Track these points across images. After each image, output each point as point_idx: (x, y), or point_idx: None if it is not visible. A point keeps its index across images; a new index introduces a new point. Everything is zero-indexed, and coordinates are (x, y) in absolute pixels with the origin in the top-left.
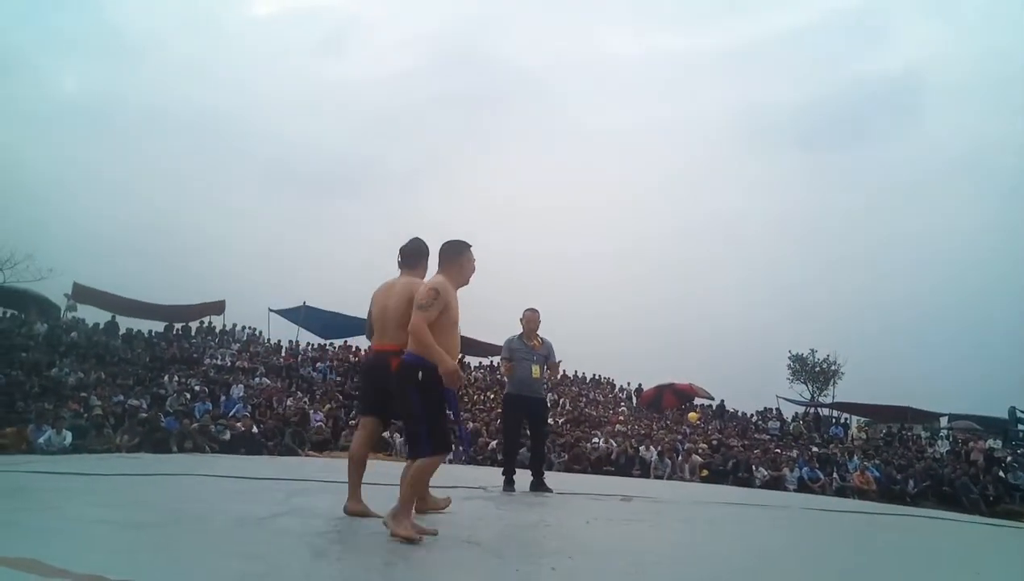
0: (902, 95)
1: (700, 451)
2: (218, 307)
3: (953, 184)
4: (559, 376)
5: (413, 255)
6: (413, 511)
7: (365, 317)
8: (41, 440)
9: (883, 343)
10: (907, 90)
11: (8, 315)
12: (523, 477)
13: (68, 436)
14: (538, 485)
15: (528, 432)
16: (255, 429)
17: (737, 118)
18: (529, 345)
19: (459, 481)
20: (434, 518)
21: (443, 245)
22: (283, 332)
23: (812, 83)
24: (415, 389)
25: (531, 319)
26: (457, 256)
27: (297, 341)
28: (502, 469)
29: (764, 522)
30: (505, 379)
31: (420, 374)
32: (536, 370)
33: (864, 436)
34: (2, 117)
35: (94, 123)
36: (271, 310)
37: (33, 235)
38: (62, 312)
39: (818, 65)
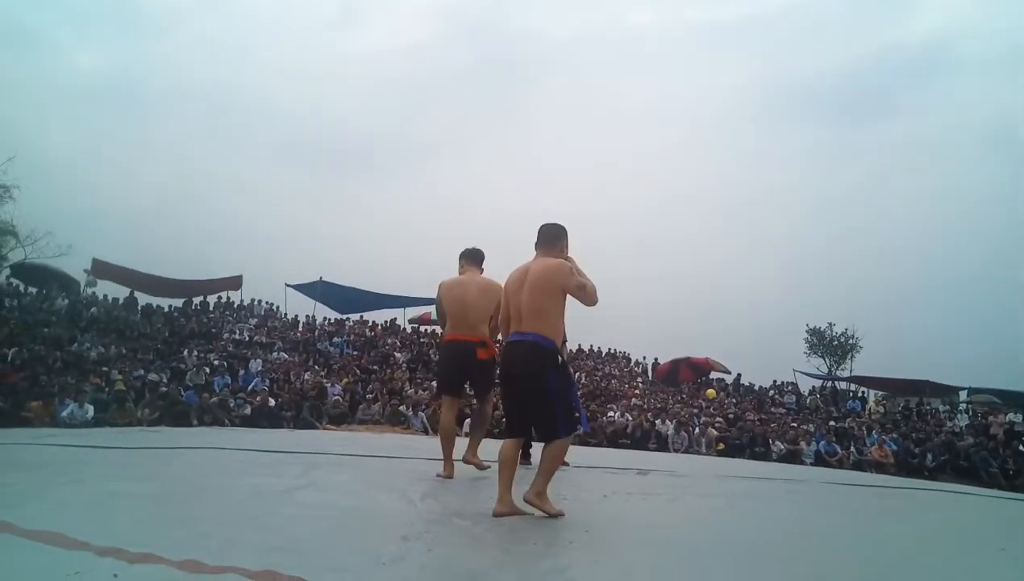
0: (928, 65)
1: (716, 425)
2: (235, 282)
3: (975, 154)
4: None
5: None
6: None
7: (384, 293)
8: (64, 414)
9: (902, 316)
10: (933, 60)
11: (30, 291)
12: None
13: (90, 410)
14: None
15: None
16: (272, 403)
17: (757, 89)
18: None
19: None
20: (454, 492)
21: (553, 227)
22: (300, 307)
23: (835, 54)
24: (553, 373)
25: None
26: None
27: (314, 316)
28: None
29: (782, 496)
30: None
31: (559, 359)
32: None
33: (882, 410)
34: (22, 95)
35: (112, 100)
36: (288, 285)
37: (53, 212)
38: (82, 288)
39: (842, 35)
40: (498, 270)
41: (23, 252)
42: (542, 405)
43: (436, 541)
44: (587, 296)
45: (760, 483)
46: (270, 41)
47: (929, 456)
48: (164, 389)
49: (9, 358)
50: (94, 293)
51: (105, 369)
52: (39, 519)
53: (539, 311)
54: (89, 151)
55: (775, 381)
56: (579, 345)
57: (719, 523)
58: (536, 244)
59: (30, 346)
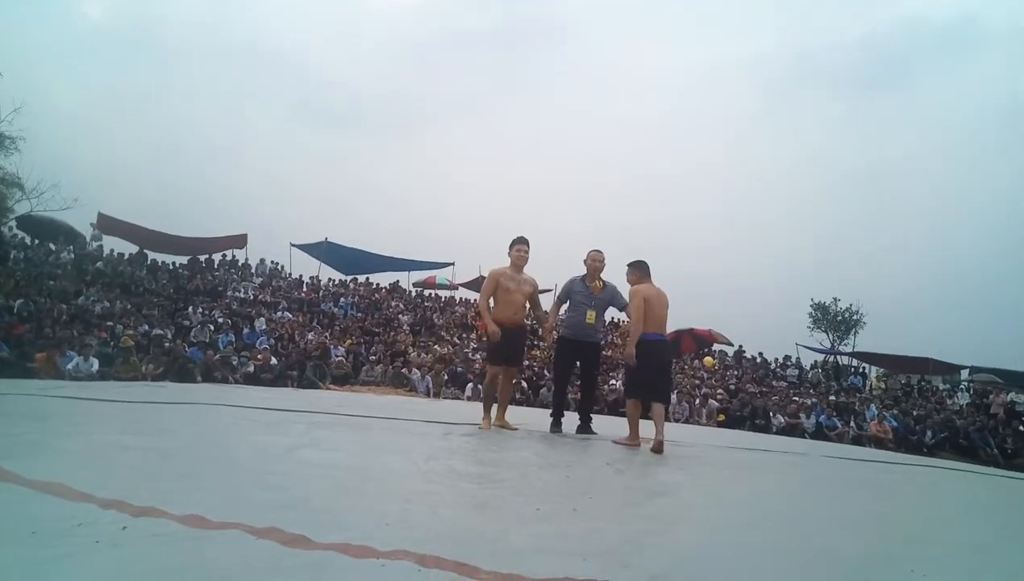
0: (949, 41)
1: (718, 396)
2: (240, 241)
3: (990, 136)
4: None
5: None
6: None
7: (389, 255)
8: (69, 366)
9: (908, 295)
10: (955, 36)
11: (36, 243)
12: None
13: (95, 363)
14: (584, 428)
15: (579, 375)
16: (276, 362)
17: (776, 61)
18: (591, 287)
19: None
20: (458, 454)
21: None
22: (305, 267)
23: (856, 26)
24: None
25: (595, 259)
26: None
27: (318, 277)
28: (550, 410)
29: (781, 467)
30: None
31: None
32: (592, 315)
33: (883, 386)
34: (29, 43)
35: (119, 53)
36: (293, 245)
37: (59, 164)
38: (87, 241)
39: (866, 6)
40: (504, 239)
41: (29, 204)
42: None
43: (440, 503)
44: None
45: (760, 454)
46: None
47: (929, 433)
48: (168, 344)
49: (16, 310)
50: (99, 247)
51: (110, 323)
52: (43, 469)
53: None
54: (98, 103)
55: (783, 356)
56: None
57: (723, 493)
58: (646, 273)
59: (36, 298)
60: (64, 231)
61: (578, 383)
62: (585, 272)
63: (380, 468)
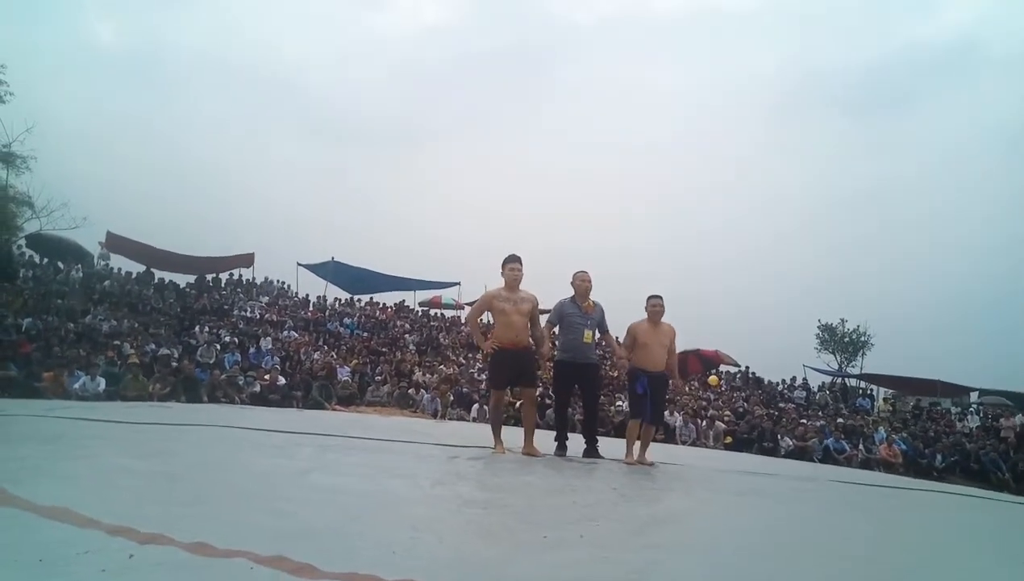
0: (954, 63)
1: (725, 418)
2: (247, 260)
3: (998, 158)
4: (614, 347)
5: None
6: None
7: (395, 275)
8: (76, 386)
9: (916, 316)
10: (960, 58)
11: (45, 261)
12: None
13: (102, 382)
14: (590, 452)
15: (580, 398)
16: (282, 381)
17: (782, 81)
18: (583, 307)
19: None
20: (464, 479)
21: None
22: (311, 287)
23: (861, 47)
24: None
25: (583, 279)
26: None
27: (325, 296)
28: (554, 435)
29: (790, 494)
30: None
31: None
32: (588, 335)
33: (891, 408)
34: (41, 66)
35: (128, 74)
36: (299, 264)
37: (68, 183)
38: (95, 260)
39: (869, 29)
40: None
41: (39, 223)
42: None
43: (446, 530)
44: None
45: (768, 480)
46: (294, 19)
47: (939, 457)
48: (175, 364)
49: (23, 328)
50: (107, 266)
51: (117, 342)
52: (50, 494)
53: None
54: (106, 123)
55: (791, 378)
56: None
57: (730, 520)
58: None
59: (44, 317)
60: (73, 250)
61: (580, 405)
62: (573, 293)
63: (387, 493)
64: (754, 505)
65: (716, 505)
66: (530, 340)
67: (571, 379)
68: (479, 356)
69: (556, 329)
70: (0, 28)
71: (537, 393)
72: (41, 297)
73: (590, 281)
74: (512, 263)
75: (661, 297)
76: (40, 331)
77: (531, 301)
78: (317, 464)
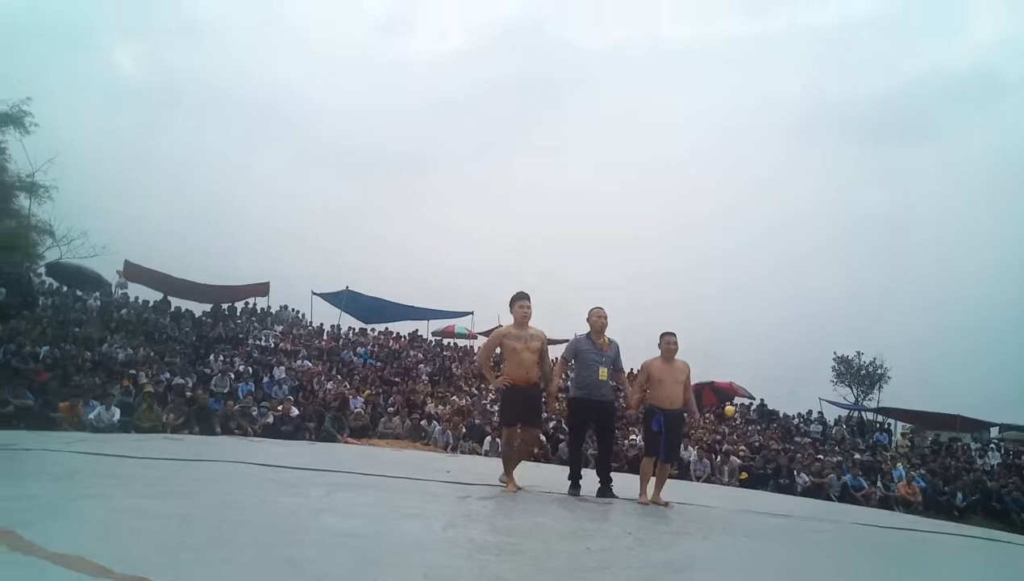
0: (973, 90)
1: (740, 453)
2: (262, 289)
3: (1019, 184)
4: (627, 386)
5: None
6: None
7: (408, 304)
8: (91, 416)
9: (933, 347)
10: (978, 85)
11: (64, 289)
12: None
13: (116, 412)
14: (605, 491)
15: (595, 436)
16: (295, 412)
17: (796, 107)
18: (598, 344)
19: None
20: (475, 520)
21: None
22: (325, 316)
23: (878, 74)
24: None
25: (600, 316)
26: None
27: (339, 325)
28: (568, 472)
29: (810, 537)
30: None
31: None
32: (604, 372)
33: (909, 443)
34: (63, 95)
35: (147, 105)
36: (314, 293)
37: (87, 213)
38: (113, 289)
39: (885, 56)
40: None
41: (59, 251)
42: None
43: (459, 578)
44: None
45: (788, 522)
46: (315, 44)
47: (959, 495)
48: (189, 394)
49: (41, 356)
50: (124, 294)
51: (132, 371)
52: (63, 539)
53: None
54: (126, 153)
55: (806, 411)
56: None
57: (749, 568)
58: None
59: (61, 345)
60: (91, 278)
61: (593, 440)
62: (589, 330)
63: (399, 537)
64: (772, 551)
65: (733, 551)
66: (539, 377)
67: (587, 416)
68: (491, 387)
69: (572, 363)
70: (23, 61)
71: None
72: (59, 325)
73: (606, 317)
74: (521, 301)
75: (675, 334)
76: (57, 359)
77: (540, 338)
78: (329, 504)
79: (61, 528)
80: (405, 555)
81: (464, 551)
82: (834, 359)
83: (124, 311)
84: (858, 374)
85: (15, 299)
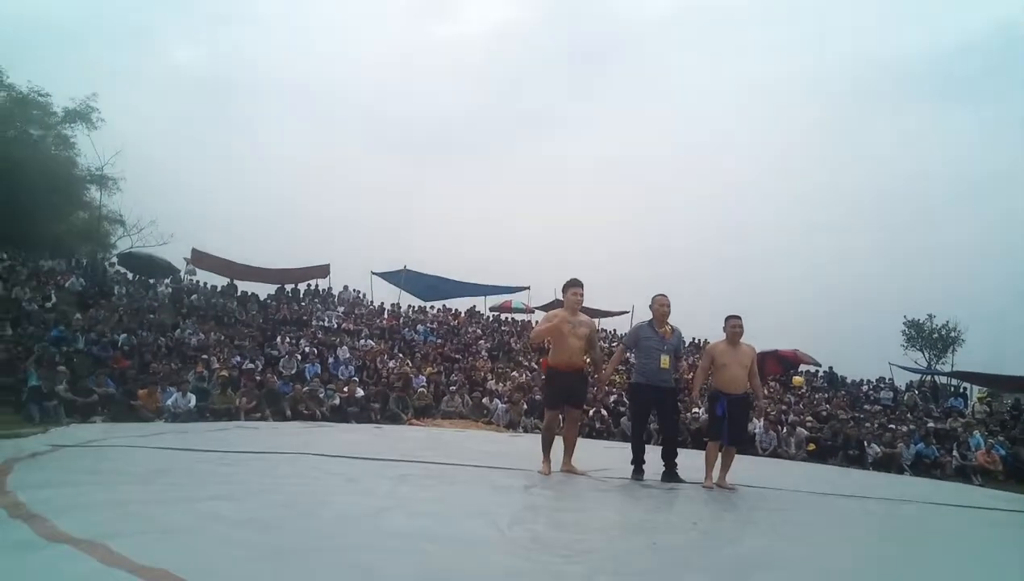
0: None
1: (807, 423)
2: (323, 271)
3: None
4: (686, 375)
5: None
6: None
7: (465, 281)
8: (168, 402)
9: (1011, 311)
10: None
11: (136, 278)
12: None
13: (192, 398)
14: (670, 476)
15: (657, 422)
16: (360, 392)
17: (868, 69)
18: (660, 332)
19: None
20: (540, 515)
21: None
22: (385, 295)
23: (951, 30)
24: None
25: (662, 304)
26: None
27: (399, 303)
28: (631, 458)
29: (888, 522)
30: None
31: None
32: (665, 360)
33: (987, 409)
34: (129, 90)
35: (207, 92)
36: (373, 273)
37: (156, 202)
38: (182, 275)
39: (956, 10)
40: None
41: (130, 240)
42: None
43: None
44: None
45: (860, 504)
46: (362, 30)
47: None
48: (259, 378)
49: (119, 344)
50: (194, 281)
51: (204, 356)
52: (151, 552)
53: None
54: (189, 144)
55: (877, 378)
56: None
57: (825, 565)
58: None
59: (137, 332)
60: (162, 266)
61: (655, 427)
62: (651, 317)
63: (464, 537)
64: (850, 542)
65: (804, 544)
66: (585, 362)
67: (649, 402)
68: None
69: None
70: (88, 56)
71: (582, 413)
72: (134, 313)
73: (669, 306)
74: (574, 287)
75: (740, 317)
76: (134, 346)
77: (589, 325)
78: (394, 501)
79: (149, 540)
80: (473, 559)
81: (531, 552)
82: (904, 323)
83: (194, 297)
84: (930, 338)
85: (93, 289)
